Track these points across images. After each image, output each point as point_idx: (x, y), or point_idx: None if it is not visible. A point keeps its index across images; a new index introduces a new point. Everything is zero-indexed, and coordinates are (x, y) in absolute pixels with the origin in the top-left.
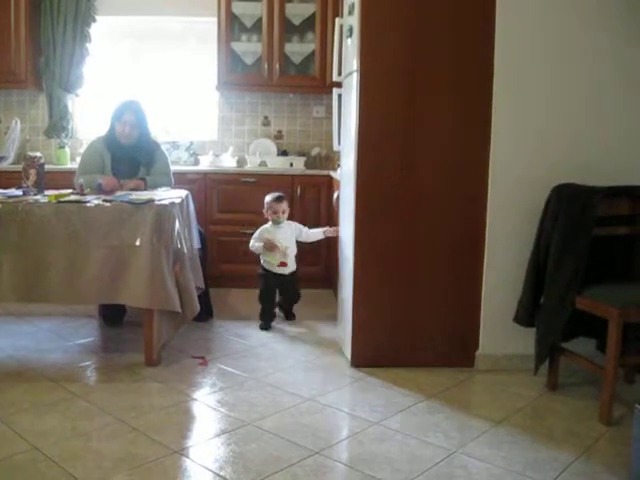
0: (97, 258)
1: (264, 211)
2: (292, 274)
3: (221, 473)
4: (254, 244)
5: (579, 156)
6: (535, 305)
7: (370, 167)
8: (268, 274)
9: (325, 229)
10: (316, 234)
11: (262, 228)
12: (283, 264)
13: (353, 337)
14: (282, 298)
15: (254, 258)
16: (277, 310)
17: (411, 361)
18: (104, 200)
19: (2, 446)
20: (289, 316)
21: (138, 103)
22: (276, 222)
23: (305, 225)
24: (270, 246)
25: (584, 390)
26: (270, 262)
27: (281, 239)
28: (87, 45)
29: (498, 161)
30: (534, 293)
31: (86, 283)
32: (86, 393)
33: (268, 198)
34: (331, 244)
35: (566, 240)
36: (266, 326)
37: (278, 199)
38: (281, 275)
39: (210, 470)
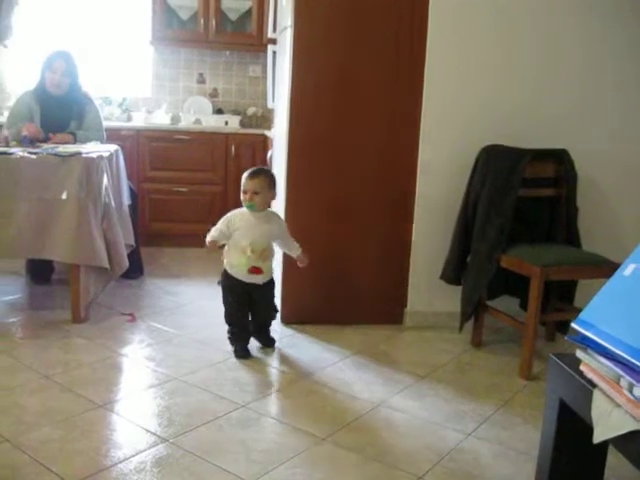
0: (22, 211)
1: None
2: (268, 284)
3: (146, 426)
4: (211, 232)
5: (511, 120)
6: (462, 263)
7: (303, 124)
8: (233, 283)
9: (300, 254)
10: (296, 249)
11: (232, 213)
12: (255, 270)
13: (283, 294)
14: (252, 318)
15: (187, 217)
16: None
17: (341, 319)
18: (29, 152)
19: None
20: (266, 340)
21: (69, 53)
22: (249, 207)
23: None
24: (211, 246)
25: (507, 347)
26: (236, 266)
27: (255, 234)
28: None
29: (429, 120)
30: (461, 252)
31: (10, 237)
32: (10, 349)
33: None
34: None
35: (493, 199)
36: (243, 352)
37: (251, 174)
38: (253, 286)
39: (135, 423)
